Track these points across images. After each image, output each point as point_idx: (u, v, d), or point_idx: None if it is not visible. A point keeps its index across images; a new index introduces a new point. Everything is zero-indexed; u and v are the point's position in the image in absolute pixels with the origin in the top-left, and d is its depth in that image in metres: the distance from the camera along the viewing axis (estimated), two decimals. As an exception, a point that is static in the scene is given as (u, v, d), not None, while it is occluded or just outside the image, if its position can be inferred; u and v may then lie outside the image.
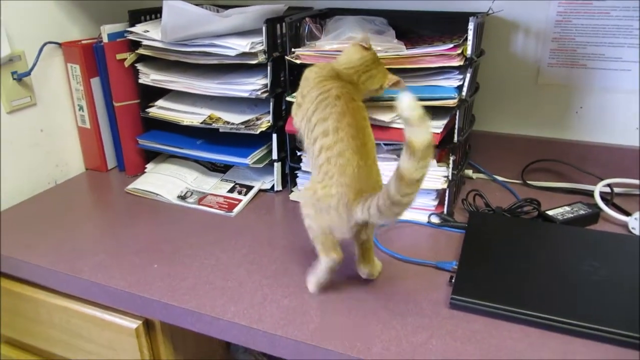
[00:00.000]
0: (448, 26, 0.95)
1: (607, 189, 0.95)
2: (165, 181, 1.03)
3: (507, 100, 1.04)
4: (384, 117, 0.83)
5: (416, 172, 0.53)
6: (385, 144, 0.93)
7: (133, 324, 0.78)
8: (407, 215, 0.90)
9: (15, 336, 0.93)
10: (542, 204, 0.90)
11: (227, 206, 0.95)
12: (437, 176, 0.86)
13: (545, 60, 0.98)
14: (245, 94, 0.92)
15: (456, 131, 0.83)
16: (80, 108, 1.08)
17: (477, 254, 0.76)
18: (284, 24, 0.88)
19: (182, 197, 0.99)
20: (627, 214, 0.87)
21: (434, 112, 0.85)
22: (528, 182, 1.03)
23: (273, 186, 1.02)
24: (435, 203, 0.89)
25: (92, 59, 1.03)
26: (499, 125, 1.07)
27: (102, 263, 0.79)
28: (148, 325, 0.79)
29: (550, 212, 0.88)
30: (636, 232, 0.85)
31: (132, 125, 1.08)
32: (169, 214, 0.94)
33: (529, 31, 0.97)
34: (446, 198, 0.88)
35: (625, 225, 0.86)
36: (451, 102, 0.80)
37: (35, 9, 0.99)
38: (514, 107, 1.04)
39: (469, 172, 1.08)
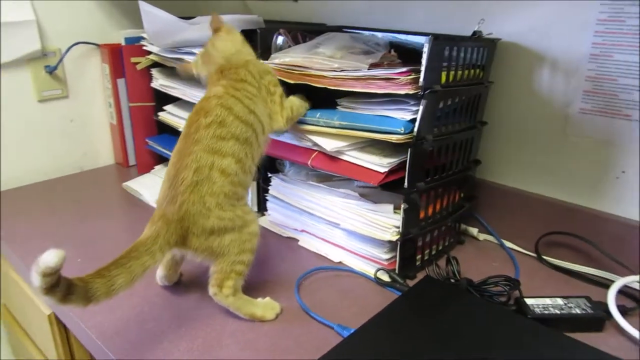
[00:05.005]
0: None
1: (636, 286, 0.69)
2: (157, 184, 1.04)
3: (526, 149, 0.83)
4: (328, 145, 0.72)
5: None
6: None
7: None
8: (355, 263, 0.77)
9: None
10: (546, 289, 0.69)
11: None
12: (386, 225, 0.71)
13: (577, 104, 0.75)
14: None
15: (406, 176, 0.68)
16: (110, 105, 1.16)
17: (382, 328, 0.60)
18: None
19: (159, 202, 0.99)
20: (650, 329, 0.62)
21: (390, 147, 0.71)
22: (543, 256, 0.80)
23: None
24: (387, 257, 0.74)
25: (118, 60, 1.11)
26: (514, 178, 0.86)
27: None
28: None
29: (530, 300, 0.67)
30: (652, 357, 0.59)
31: (145, 126, 1.12)
32: (146, 216, 0.95)
33: (556, 65, 0.76)
34: (397, 254, 0.72)
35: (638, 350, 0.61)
36: (394, 138, 0.65)
37: (79, 12, 1.10)
38: (535, 160, 0.82)
39: (474, 230, 0.88)
